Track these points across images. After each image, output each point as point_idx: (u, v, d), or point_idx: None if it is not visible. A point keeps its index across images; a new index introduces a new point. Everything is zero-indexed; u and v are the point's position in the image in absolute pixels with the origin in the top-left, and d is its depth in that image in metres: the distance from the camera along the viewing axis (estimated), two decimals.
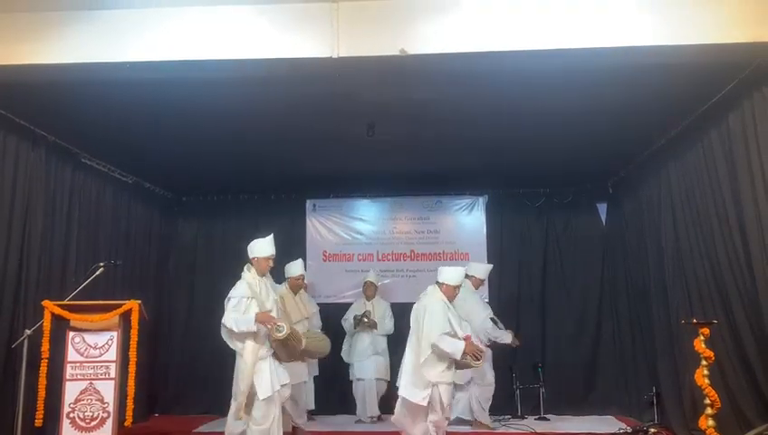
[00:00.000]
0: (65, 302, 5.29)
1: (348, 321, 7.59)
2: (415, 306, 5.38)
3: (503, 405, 7.64)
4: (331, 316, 7.81)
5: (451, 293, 5.29)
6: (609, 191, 8.26)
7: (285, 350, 5.04)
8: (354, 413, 7.49)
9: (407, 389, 5.14)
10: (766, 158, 4.46)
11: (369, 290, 7.70)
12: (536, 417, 7.52)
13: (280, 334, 4.82)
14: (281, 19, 4.18)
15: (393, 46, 4.08)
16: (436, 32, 4.13)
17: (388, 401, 7.32)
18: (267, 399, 4.91)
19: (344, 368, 7.63)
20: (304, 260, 8.23)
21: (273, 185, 8.33)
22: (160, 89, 4.80)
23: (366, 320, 7.40)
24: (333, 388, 7.76)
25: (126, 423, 5.21)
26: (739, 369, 5.05)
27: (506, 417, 7.46)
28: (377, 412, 7.31)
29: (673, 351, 6.24)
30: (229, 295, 5.05)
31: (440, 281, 5.34)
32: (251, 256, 5.24)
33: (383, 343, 7.47)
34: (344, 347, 7.64)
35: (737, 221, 4.93)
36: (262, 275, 5.22)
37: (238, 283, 5.12)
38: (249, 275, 5.17)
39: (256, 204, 8.53)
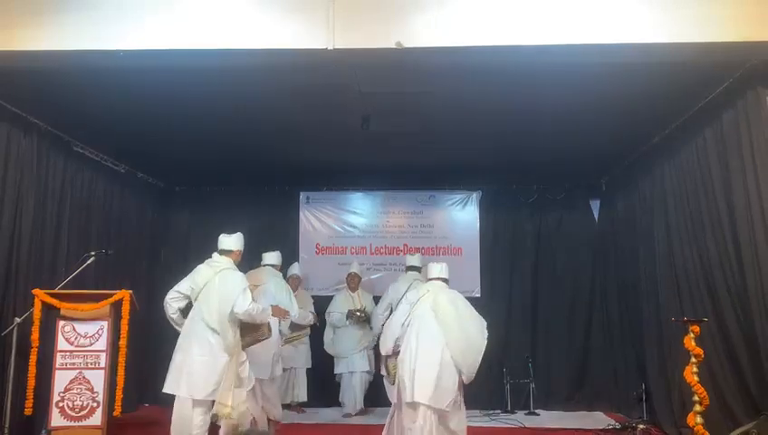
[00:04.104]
0: (56, 290, 5.26)
1: (333, 314, 7.57)
2: (431, 299, 4.99)
3: (493, 400, 7.70)
4: (324, 309, 7.80)
5: None
6: (602, 189, 8.30)
7: None
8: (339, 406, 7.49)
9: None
10: (759, 157, 4.48)
11: (354, 282, 7.69)
12: (526, 412, 7.56)
13: None
14: (276, 9, 4.15)
15: (389, 39, 4.05)
16: (432, 25, 4.11)
17: (373, 392, 7.40)
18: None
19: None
20: (297, 253, 8.29)
21: (267, 176, 8.30)
22: (154, 78, 4.77)
23: (363, 315, 7.40)
24: (325, 380, 7.76)
25: (115, 413, 5.21)
26: (728, 367, 5.08)
27: (496, 411, 7.52)
28: (362, 405, 7.34)
29: (662, 348, 6.28)
30: None
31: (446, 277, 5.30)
32: None
33: (371, 336, 7.46)
34: (326, 339, 7.64)
35: (729, 220, 4.95)
36: None
37: None
38: None
39: (249, 195, 8.50)
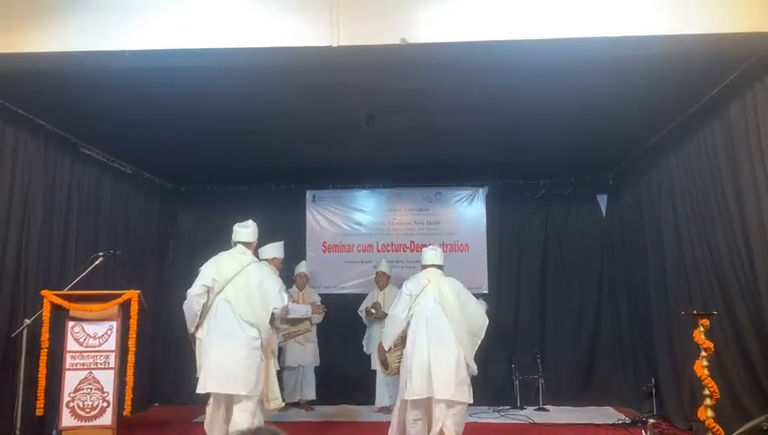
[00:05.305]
0: (64, 292, 5.28)
1: (362, 312, 7.60)
2: (435, 291, 4.98)
3: (502, 396, 7.70)
4: (331, 307, 7.81)
5: None
6: (609, 183, 8.26)
7: None
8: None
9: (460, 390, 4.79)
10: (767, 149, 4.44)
11: (381, 280, 7.66)
12: (535, 407, 7.54)
13: None
14: (280, 7, 4.14)
15: (394, 35, 4.04)
16: (436, 21, 4.09)
17: None
18: None
19: (344, 358, 7.66)
20: (304, 251, 8.29)
21: (273, 175, 8.32)
22: (159, 78, 4.77)
23: (374, 311, 7.39)
24: (333, 378, 7.78)
25: (125, 413, 5.22)
26: (738, 360, 5.06)
27: (505, 407, 7.50)
28: (380, 404, 7.32)
29: (672, 342, 6.26)
30: None
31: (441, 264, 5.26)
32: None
33: None
34: (364, 338, 7.66)
35: (738, 212, 4.92)
36: None
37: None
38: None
39: (256, 194, 8.51)
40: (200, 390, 4.73)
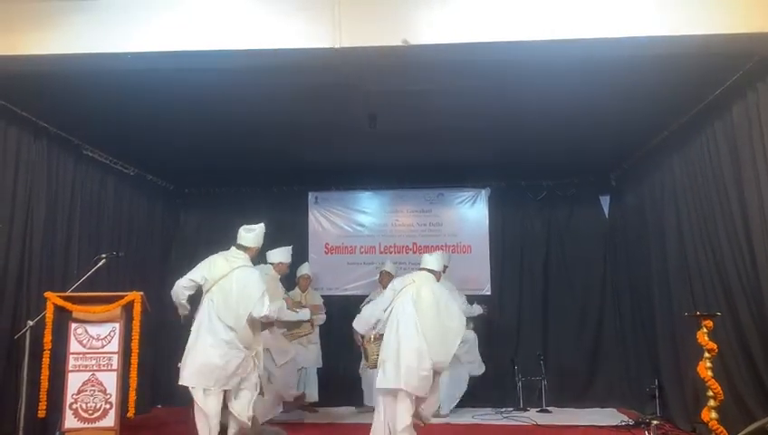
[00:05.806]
0: (67, 293, 5.28)
1: None
2: (414, 290, 5.11)
3: (505, 397, 7.68)
4: (334, 308, 7.81)
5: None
6: (611, 184, 8.25)
7: None
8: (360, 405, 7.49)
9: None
10: None
11: (385, 280, 7.62)
12: (538, 409, 7.53)
13: None
14: (282, 9, 4.15)
15: (395, 36, 4.05)
16: (438, 22, 4.10)
17: None
18: None
19: (346, 359, 7.65)
20: (306, 252, 8.30)
21: (276, 177, 8.32)
22: (161, 80, 4.78)
23: None
24: (336, 379, 7.77)
25: (128, 414, 5.21)
26: (742, 361, 5.04)
27: (508, 409, 7.49)
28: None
29: (675, 343, 6.24)
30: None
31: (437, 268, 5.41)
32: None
33: None
34: None
35: (740, 213, 4.91)
36: None
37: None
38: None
39: (259, 196, 8.52)
40: (181, 382, 5.00)
